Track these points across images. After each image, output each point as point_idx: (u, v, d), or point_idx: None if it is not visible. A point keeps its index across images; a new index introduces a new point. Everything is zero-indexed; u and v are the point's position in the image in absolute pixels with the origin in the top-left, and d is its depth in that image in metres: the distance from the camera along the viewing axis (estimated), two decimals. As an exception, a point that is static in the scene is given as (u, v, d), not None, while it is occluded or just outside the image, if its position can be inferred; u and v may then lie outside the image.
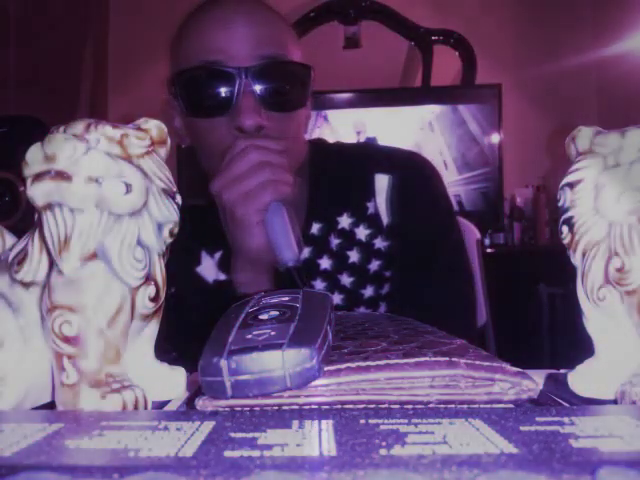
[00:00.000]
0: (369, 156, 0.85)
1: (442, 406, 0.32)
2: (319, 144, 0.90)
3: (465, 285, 0.81)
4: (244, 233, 0.66)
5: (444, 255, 0.80)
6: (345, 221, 0.79)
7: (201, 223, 0.78)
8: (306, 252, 0.79)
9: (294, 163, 0.73)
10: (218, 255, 0.80)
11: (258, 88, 0.69)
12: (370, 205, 0.80)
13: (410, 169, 0.82)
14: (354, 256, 0.79)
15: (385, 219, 0.79)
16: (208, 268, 0.81)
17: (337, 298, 0.78)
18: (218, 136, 0.70)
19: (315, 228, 0.79)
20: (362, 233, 0.79)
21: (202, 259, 0.81)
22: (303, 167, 0.82)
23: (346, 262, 0.79)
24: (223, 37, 0.70)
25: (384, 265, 0.80)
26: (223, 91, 0.69)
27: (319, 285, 0.79)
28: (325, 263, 0.79)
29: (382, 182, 0.80)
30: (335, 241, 0.79)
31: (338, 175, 0.82)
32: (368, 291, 0.79)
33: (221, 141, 0.70)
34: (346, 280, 0.79)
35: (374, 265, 0.79)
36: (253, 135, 0.68)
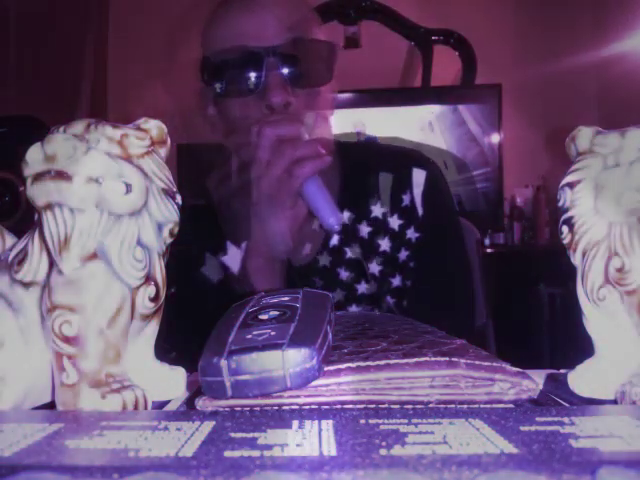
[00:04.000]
0: (404, 151, 0.90)
1: (442, 406, 0.32)
2: (348, 139, 0.93)
3: (471, 279, 0.87)
4: (279, 216, 0.68)
5: (456, 251, 0.85)
6: (378, 210, 0.82)
7: (202, 223, 0.79)
8: (335, 240, 0.81)
9: (323, 142, 0.75)
10: (221, 255, 0.81)
11: (284, 66, 0.72)
12: (405, 197, 0.82)
13: (438, 168, 0.88)
14: (385, 245, 0.81)
15: (420, 211, 0.82)
16: (212, 268, 0.82)
17: (363, 287, 0.80)
18: (249, 116, 0.73)
19: (345, 216, 0.81)
20: (395, 223, 0.82)
21: (206, 260, 0.82)
22: (334, 158, 0.84)
23: (376, 250, 0.81)
24: (248, 20, 0.73)
25: (411, 256, 0.82)
26: (251, 71, 0.72)
27: (344, 274, 0.80)
28: (353, 251, 0.81)
29: (420, 176, 0.83)
30: (366, 229, 0.81)
31: (372, 166, 0.85)
32: (396, 280, 0.81)
33: (252, 121, 0.72)
34: (375, 268, 0.81)
35: (403, 255, 0.82)
36: (280, 113, 0.71)
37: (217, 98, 0.77)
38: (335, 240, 0.81)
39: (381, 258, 0.81)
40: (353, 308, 0.80)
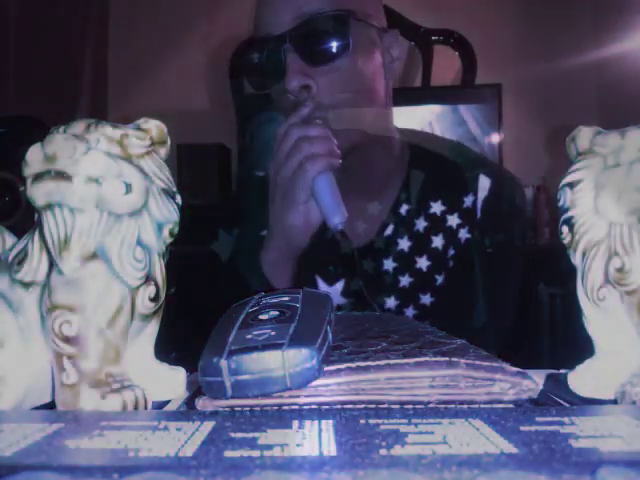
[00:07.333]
0: (472, 156, 0.91)
1: (442, 406, 0.32)
2: (420, 132, 0.94)
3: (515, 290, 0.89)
4: (291, 211, 0.69)
5: (513, 260, 0.86)
6: (438, 207, 0.82)
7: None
8: (389, 230, 0.81)
9: (370, 107, 0.76)
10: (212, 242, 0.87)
11: (297, 48, 0.71)
12: (467, 199, 0.82)
13: (507, 180, 0.88)
14: (437, 242, 0.81)
15: (479, 215, 0.82)
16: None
17: (406, 280, 0.80)
18: (279, 104, 0.74)
19: (403, 209, 0.81)
20: (453, 221, 0.81)
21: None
22: (402, 147, 0.84)
23: (428, 246, 0.81)
24: (267, 10, 0.74)
25: (459, 256, 0.82)
26: (272, 60, 0.72)
27: (390, 265, 0.80)
28: (404, 244, 0.80)
29: (485, 183, 0.83)
30: (422, 224, 0.81)
31: (440, 164, 0.84)
32: (441, 278, 0.81)
33: (283, 108, 0.73)
34: (423, 263, 0.81)
35: (450, 253, 0.82)
36: (303, 99, 0.70)
37: (253, 91, 0.79)
38: (389, 230, 0.81)
39: (431, 254, 0.81)
40: (392, 301, 0.80)
